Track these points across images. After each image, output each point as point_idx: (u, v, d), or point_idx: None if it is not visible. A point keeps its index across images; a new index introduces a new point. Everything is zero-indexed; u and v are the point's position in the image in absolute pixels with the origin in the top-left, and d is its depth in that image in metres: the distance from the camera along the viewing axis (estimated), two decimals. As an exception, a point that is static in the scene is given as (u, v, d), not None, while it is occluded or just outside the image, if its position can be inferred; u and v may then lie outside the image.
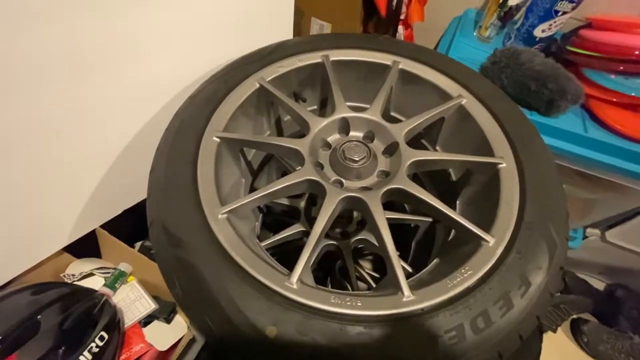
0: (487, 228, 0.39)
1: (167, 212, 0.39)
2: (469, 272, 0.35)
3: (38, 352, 0.34)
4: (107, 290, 0.50)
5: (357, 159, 0.46)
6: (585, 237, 0.98)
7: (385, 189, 0.42)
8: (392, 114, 0.60)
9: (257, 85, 0.51)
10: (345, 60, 0.56)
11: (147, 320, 0.51)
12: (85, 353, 0.38)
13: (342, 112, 0.50)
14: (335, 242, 0.61)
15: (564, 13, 0.69)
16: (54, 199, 0.48)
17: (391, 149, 0.49)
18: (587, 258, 1.07)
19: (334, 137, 0.51)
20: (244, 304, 0.33)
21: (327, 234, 0.62)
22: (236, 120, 0.49)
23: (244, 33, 0.65)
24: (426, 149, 0.58)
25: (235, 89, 0.50)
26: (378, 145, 0.50)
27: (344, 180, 0.47)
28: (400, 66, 0.54)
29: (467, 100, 0.50)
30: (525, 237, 0.37)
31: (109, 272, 0.54)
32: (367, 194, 0.42)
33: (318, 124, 0.48)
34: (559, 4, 0.68)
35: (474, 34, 0.85)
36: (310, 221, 0.63)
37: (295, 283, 0.35)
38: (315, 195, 0.50)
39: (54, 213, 0.49)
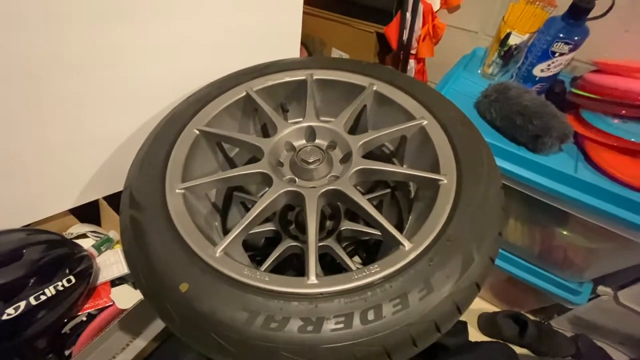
0: (412, 236, 0.41)
1: (137, 181, 0.46)
2: (376, 269, 0.37)
3: (13, 275, 0.43)
4: (92, 250, 0.58)
5: (310, 161, 0.50)
6: (597, 296, 0.89)
7: (325, 189, 0.46)
8: (369, 130, 0.64)
9: (244, 93, 0.59)
10: (328, 79, 0.62)
11: (118, 282, 0.59)
12: (51, 288, 0.45)
13: (310, 121, 0.56)
14: (300, 245, 0.64)
15: (562, 54, 0.69)
16: (66, 167, 0.59)
17: (346, 157, 0.53)
18: (601, 322, 0.96)
19: (300, 142, 0.56)
20: (169, 261, 0.38)
21: (297, 237, 0.66)
22: (220, 119, 0.57)
23: (255, 51, 0.75)
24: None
25: (225, 94, 0.59)
26: (338, 154, 0.55)
27: (297, 179, 0.51)
28: (375, 88, 0.59)
29: (428, 122, 0.53)
30: (441, 248, 0.38)
31: (99, 237, 0.63)
32: (308, 190, 0.46)
33: (285, 128, 0.55)
34: (554, 46, 0.69)
35: (479, 71, 0.88)
36: (283, 223, 0.68)
37: (218, 253, 0.39)
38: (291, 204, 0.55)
39: (64, 179, 0.60)
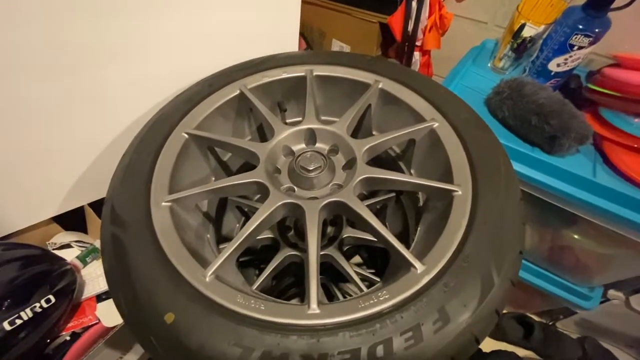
0: (424, 255, 0.37)
1: (119, 192, 0.42)
2: (385, 297, 0.33)
3: (-16, 299, 0.39)
4: (76, 262, 0.54)
5: (310, 168, 0.46)
6: (606, 300, 0.86)
7: (327, 201, 0.42)
8: (374, 132, 0.60)
9: (238, 91, 0.54)
10: (329, 76, 0.57)
11: (105, 297, 0.55)
12: (27, 310, 0.41)
13: (310, 123, 0.51)
14: (299, 254, 0.60)
15: (581, 48, 0.64)
16: (48, 173, 0.55)
17: (350, 164, 0.48)
18: (611, 325, 0.93)
19: (299, 146, 0.52)
20: (153, 287, 0.34)
21: (296, 245, 0.62)
22: (212, 121, 0.53)
23: (249, 45, 0.70)
24: (402, 171, 0.57)
25: (217, 92, 0.54)
26: (340, 159, 0.50)
27: (296, 188, 0.47)
28: (381, 86, 0.54)
29: (439, 125, 0.48)
30: (457, 270, 0.34)
31: (85, 247, 0.59)
32: (308, 202, 0.42)
33: (283, 132, 0.50)
34: (573, 38, 0.63)
35: (489, 64, 0.82)
36: (281, 229, 0.63)
37: (208, 276, 0.35)
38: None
39: (46, 185, 0.55)
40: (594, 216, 0.62)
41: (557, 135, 0.59)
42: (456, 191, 0.41)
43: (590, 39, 0.63)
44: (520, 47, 0.73)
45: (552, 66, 0.70)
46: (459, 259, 0.35)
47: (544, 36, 0.71)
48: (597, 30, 0.62)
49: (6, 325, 0.40)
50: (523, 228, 0.39)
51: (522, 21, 0.71)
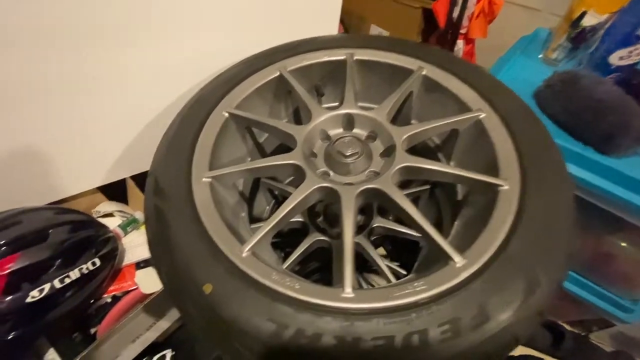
0: (465, 250, 0.35)
1: (162, 166, 0.43)
2: (422, 287, 0.33)
3: (39, 257, 0.42)
4: (118, 230, 0.58)
5: (347, 154, 0.45)
6: (650, 315, 0.80)
7: (363, 187, 0.41)
8: (412, 121, 0.58)
9: (277, 73, 0.54)
10: (370, 60, 0.55)
11: (143, 265, 0.58)
12: (76, 271, 0.45)
13: (348, 108, 0.50)
14: (328, 239, 0.60)
15: (650, 39, 0.59)
16: (97, 146, 0.58)
17: (388, 151, 0.47)
18: (651, 342, 0.87)
19: (336, 131, 0.51)
20: (192, 258, 0.35)
21: (325, 231, 0.62)
22: (250, 101, 0.53)
23: (288, 26, 0.69)
24: (440, 162, 0.55)
25: (256, 74, 0.54)
26: (378, 146, 0.49)
27: (332, 173, 0.47)
28: (424, 72, 0.52)
29: (486, 116, 0.46)
30: (500, 268, 0.33)
31: (126, 216, 0.62)
32: (344, 188, 0.41)
33: (321, 115, 0.49)
34: (642, 29, 0.58)
35: (540, 55, 0.77)
36: (311, 214, 0.64)
37: (245, 252, 0.36)
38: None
39: (94, 157, 0.59)
40: (648, 224, 0.58)
41: (614, 133, 0.55)
42: (502, 186, 0.39)
43: (663, 29, 0.57)
44: (578, 37, 0.67)
45: (614, 59, 0.64)
46: (502, 256, 0.34)
47: (607, 26, 0.65)
48: (671, 20, 0.56)
49: (57, 283, 0.43)
50: (574, 229, 0.37)
51: (583, 9, 0.65)
